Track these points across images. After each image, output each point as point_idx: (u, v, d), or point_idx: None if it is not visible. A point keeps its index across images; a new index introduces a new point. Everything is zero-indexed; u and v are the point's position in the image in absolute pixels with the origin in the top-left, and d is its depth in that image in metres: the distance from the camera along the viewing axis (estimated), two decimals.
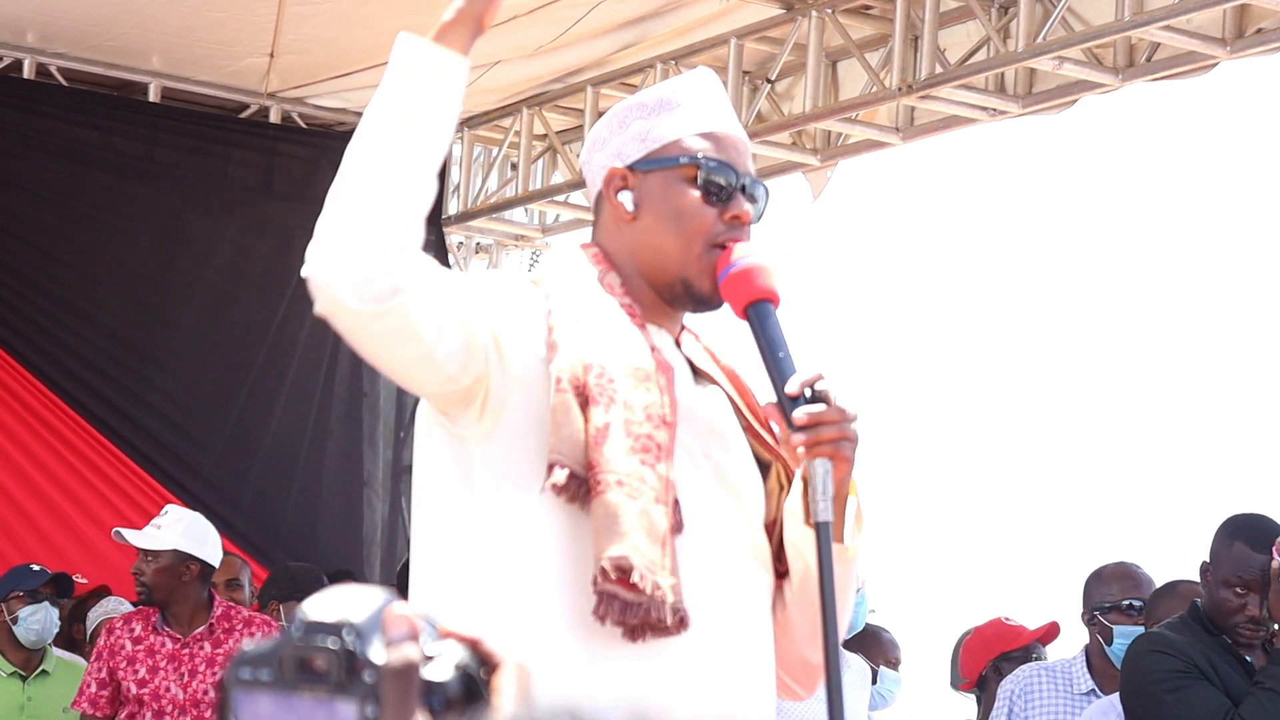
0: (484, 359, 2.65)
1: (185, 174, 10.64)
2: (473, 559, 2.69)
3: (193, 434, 10.39)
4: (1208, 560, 5.13)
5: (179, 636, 6.86)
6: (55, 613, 7.84)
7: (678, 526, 2.65)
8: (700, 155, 2.79)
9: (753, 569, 2.77)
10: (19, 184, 10.15)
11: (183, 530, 7.10)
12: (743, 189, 2.81)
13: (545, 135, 10.91)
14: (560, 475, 2.61)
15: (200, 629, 6.89)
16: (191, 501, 10.14)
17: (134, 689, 6.78)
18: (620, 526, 2.58)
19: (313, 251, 2.60)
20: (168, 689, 6.78)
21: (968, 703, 7.50)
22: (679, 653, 2.65)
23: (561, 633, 2.62)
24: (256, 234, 10.85)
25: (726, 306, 2.78)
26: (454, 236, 11.61)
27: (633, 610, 2.57)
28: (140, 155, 10.59)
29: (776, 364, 2.68)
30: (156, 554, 6.98)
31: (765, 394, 2.74)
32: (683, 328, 2.91)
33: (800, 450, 2.64)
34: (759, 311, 2.72)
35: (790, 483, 2.81)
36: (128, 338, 10.34)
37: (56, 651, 8.01)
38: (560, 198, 11.15)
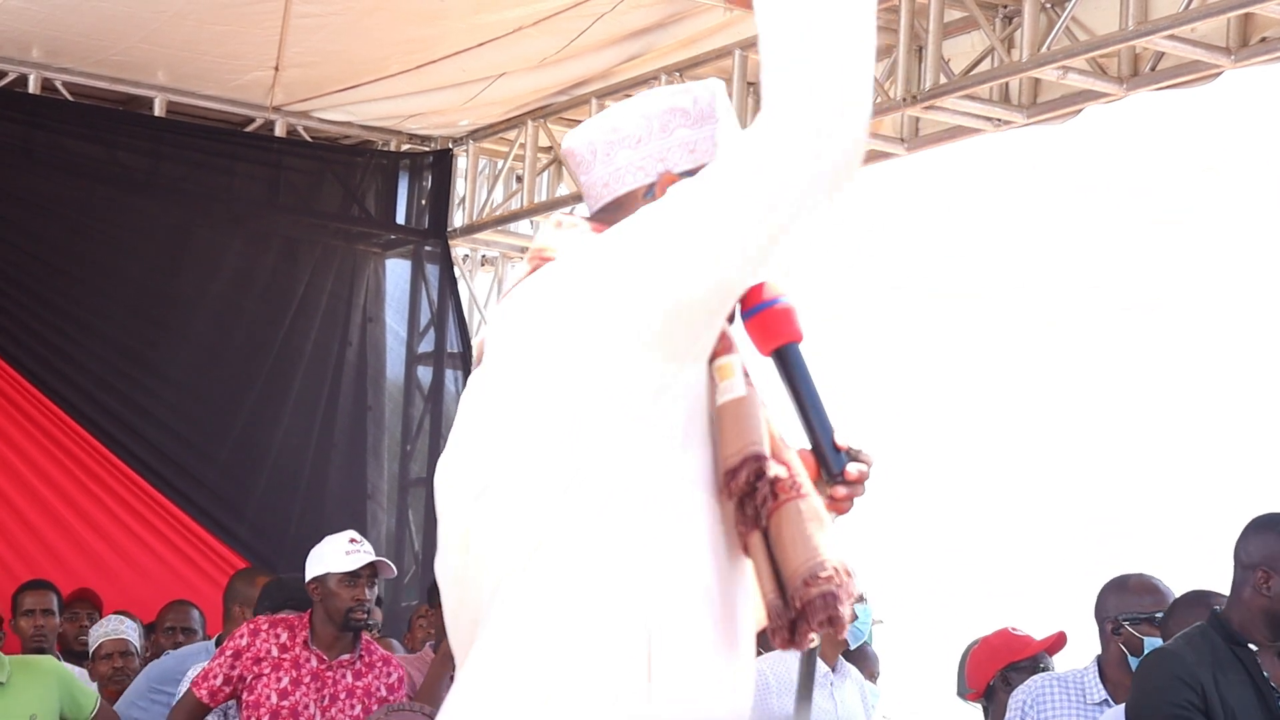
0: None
1: (190, 188, 10.65)
2: (648, 542, 2.57)
3: (197, 446, 10.39)
4: (1261, 562, 5.10)
5: (325, 658, 6.73)
6: None
7: None
8: None
9: None
10: (24, 198, 10.15)
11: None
12: None
13: (550, 147, 10.92)
14: (781, 470, 2.60)
15: (345, 656, 6.78)
16: (196, 513, 10.17)
17: (274, 698, 6.64)
18: (832, 531, 2.61)
19: (857, 91, 2.52)
20: (306, 707, 6.65)
21: (974, 713, 7.49)
22: (743, 666, 2.69)
23: (707, 635, 2.59)
24: (262, 247, 10.86)
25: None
26: (459, 249, 11.61)
27: (841, 611, 2.56)
28: (145, 169, 10.60)
29: (816, 412, 2.70)
30: (379, 577, 6.88)
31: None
32: None
33: (827, 501, 2.68)
34: (792, 355, 2.72)
35: None
36: (132, 350, 10.35)
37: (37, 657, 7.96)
38: (566, 210, 11.15)
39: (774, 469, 2.59)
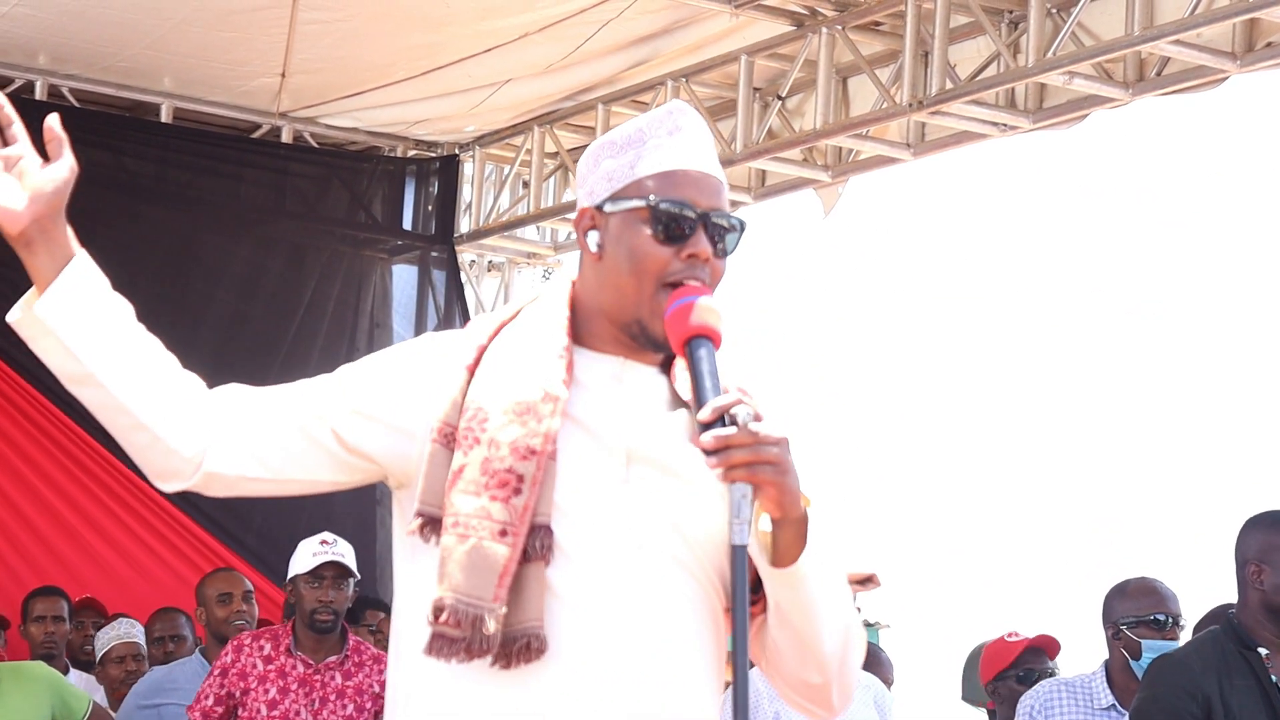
0: (339, 446, 3.02)
1: (197, 194, 10.65)
2: (399, 591, 2.96)
3: None
4: (1255, 559, 5.11)
5: (311, 662, 6.75)
6: None
7: (538, 555, 2.73)
8: (651, 196, 2.80)
9: (668, 581, 2.78)
10: None
11: (352, 556, 7.05)
12: (706, 225, 2.80)
13: (556, 153, 10.93)
14: (415, 523, 2.83)
15: (333, 658, 6.80)
16: (203, 520, 10.18)
17: (263, 710, 6.66)
18: (445, 568, 2.74)
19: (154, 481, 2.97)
20: (298, 713, 6.67)
21: (978, 715, 7.50)
22: (554, 675, 2.71)
23: (435, 665, 2.75)
24: (268, 253, 10.87)
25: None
26: (466, 255, 11.62)
27: (453, 646, 2.72)
28: (152, 176, 10.61)
29: (700, 395, 2.67)
30: (348, 578, 6.93)
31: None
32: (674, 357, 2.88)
33: (717, 474, 2.63)
34: (691, 345, 2.72)
35: None
36: None
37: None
38: (572, 215, 11.13)
39: (414, 522, 2.88)
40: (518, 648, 2.70)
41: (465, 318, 11.36)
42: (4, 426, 9.90)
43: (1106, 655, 6.20)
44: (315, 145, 11.07)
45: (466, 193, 11.51)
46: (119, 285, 9.79)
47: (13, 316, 2.90)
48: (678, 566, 2.79)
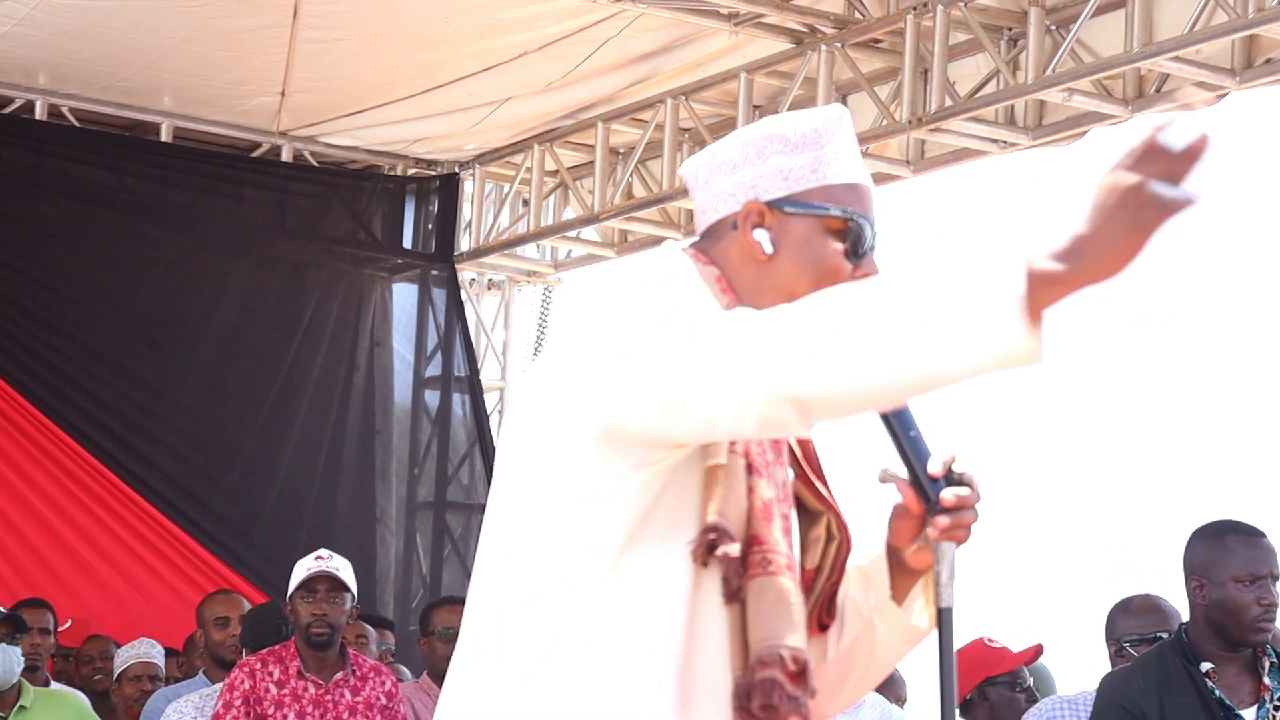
0: None
1: (197, 213, 10.66)
2: (582, 603, 2.50)
3: (205, 471, 10.38)
4: (1196, 573, 5.03)
5: (321, 683, 6.76)
6: (16, 651, 7.65)
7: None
8: (852, 210, 2.70)
9: None
10: (31, 224, 10.17)
11: (349, 572, 7.01)
12: (872, 245, 2.74)
13: (556, 171, 10.93)
14: (734, 548, 2.48)
15: (339, 675, 6.80)
16: (203, 538, 10.17)
17: None
18: (794, 615, 2.51)
19: (806, 388, 2.34)
20: None
21: None
22: None
23: (667, 710, 2.48)
24: (269, 272, 10.87)
25: None
26: (466, 273, 11.62)
27: (792, 704, 2.47)
28: (152, 195, 10.61)
29: (911, 443, 2.63)
30: (343, 591, 6.90)
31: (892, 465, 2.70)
32: None
33: (931, 531, 2.60)
34: None
35: (840, 532, 2.74)
36: (140, 376, 10.35)
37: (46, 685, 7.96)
38: (572, 233, 11.16)
39: (726, 545, 2.49)
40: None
41: (465, 336, 11.36)
42: (2, 444, 9.89)
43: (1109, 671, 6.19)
44: (315, 164, 11.08)
45: (466, 211, 11.51)
46: (119, 304, 9.82)
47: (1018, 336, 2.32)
48: None
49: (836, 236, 2.69)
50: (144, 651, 8.38)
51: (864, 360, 2.29)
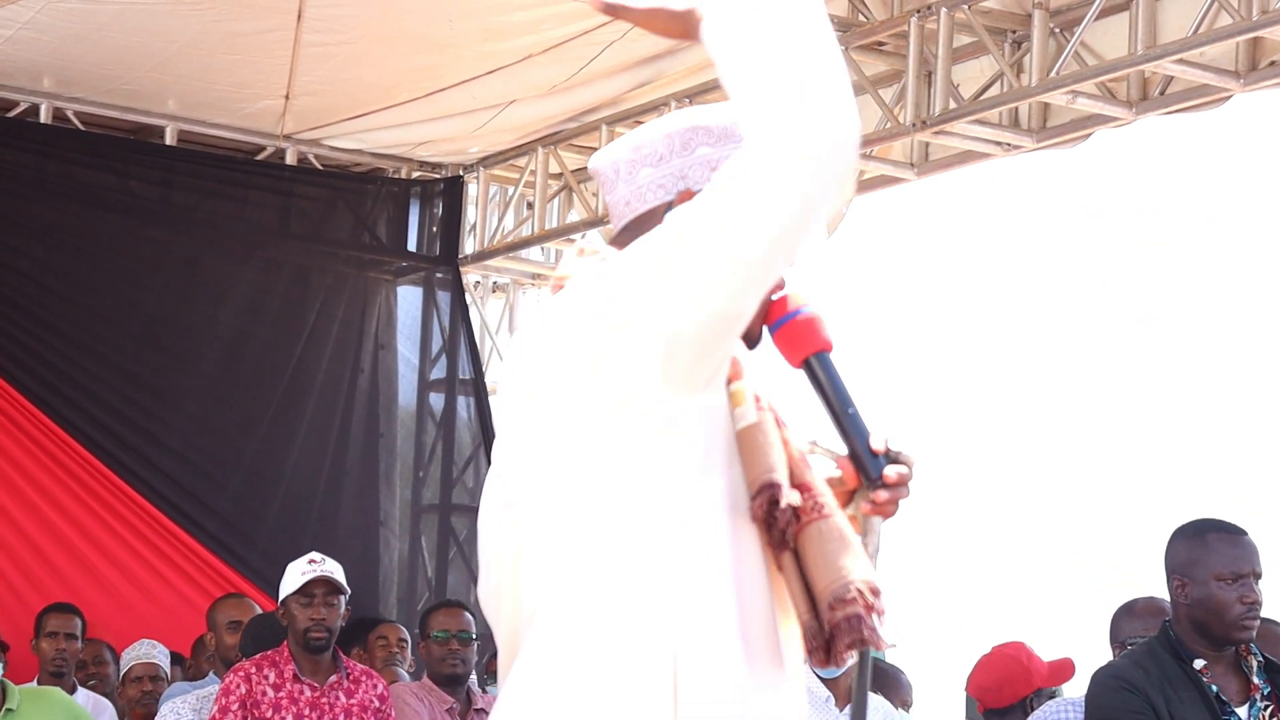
0: None
1: (202, 216, 10.67)
2: (670, 566, 2.57)
3: (210, 474, 10.39)
4: (1178, 572, 5.04)
5: (316, 685, 6.78)
6: None
7: None
8: None
9: None
10: (36, 227, 10.18)
11: (342, 574, 7.02)
12: None
13: (560, 174, 10.94)
14: (795, 496, 2.60)
15: (333, 678, 6.83)
16: (208, 541, 10.17)
17: None
18: (857, 549, 2.60)
19: (837, 107, 2.44)
20: None
21: None
22: (790, 684, 2.68)
23: (734, 659, 2.57)
24: (273, 275, 10.88)
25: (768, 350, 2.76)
26: (470, 276, 11.63)
27: (875, 635, 2.57)
28: (157, 198, 10.62)
29: (850, 419, 2.69)
30: (339, 595, 6.91)
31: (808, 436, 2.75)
32: None
33: (866, 506, 2.68)
34: (822, 363, 2.70)
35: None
36: (144, 379, 10.36)
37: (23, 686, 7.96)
38: (576, 236, 11.16)
39: (788, 496, 2.59)
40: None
41: (470, 339, 11.37)
42: (8, 447, 9.90)
43: None
44: (319, 167, 11.09)
45: (471, 214, 11.51)
46: (123, 307, 9.83)
47: None
48: None
49: None
50: (146, 652, 8.39)
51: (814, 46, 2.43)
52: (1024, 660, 6.96)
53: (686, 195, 2.73)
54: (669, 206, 2.75)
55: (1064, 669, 6.97)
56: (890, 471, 2.66)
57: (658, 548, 2.55)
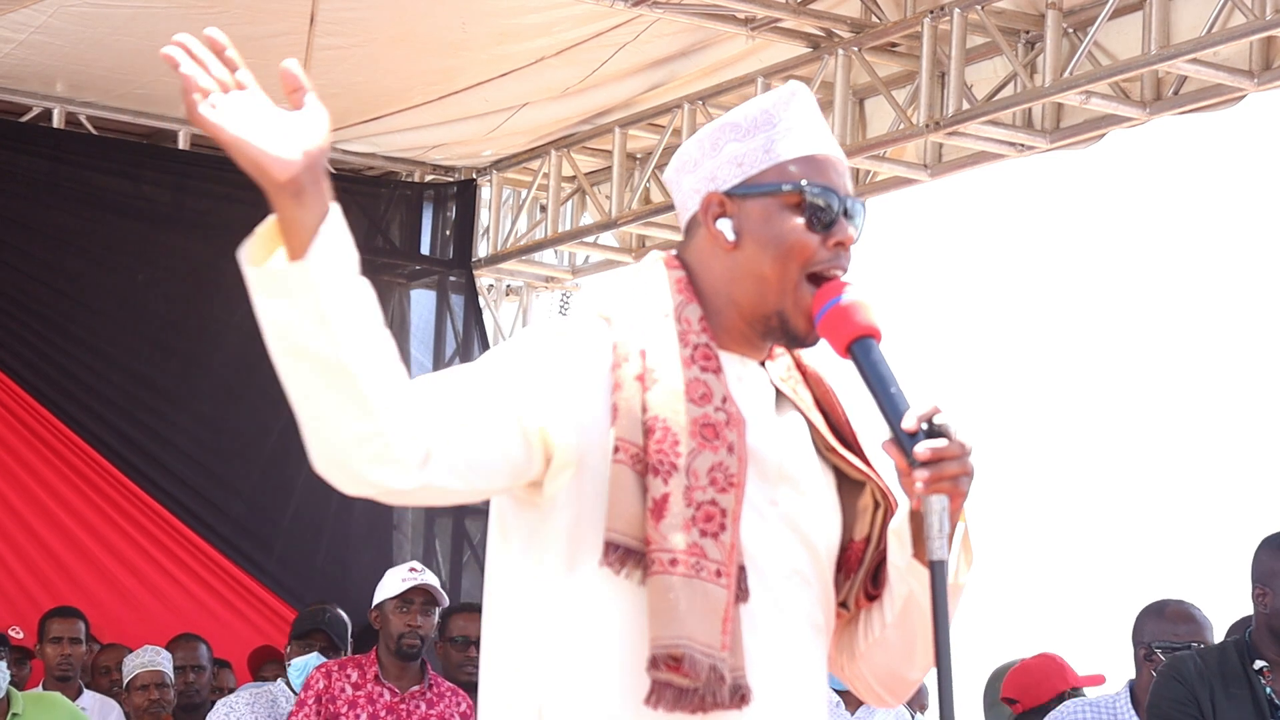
0: (542, 453, 2.59)
1: (214, 221, 10.65)
2: (537, 630, 2.63)
3: (223, 478, 10.39)
4: (1260, 581, 5.18)
5: (397, 691, 6.81)
6: (1, 665, 7.65)
7: (742, 595, 2.59)
8: (804, 182, 2.68)
9: (812, 633, 2.70)
10: (49, 232, 10.19)
11: (438, 584, 7.09)
12: (845, 212, 2.70)
13: (574, 176, 10.93)
14: (613, 555, 2.57)
15: (415, 687, 6.86)
16: (222, 545, 10.17)
17: None
18: (676, 610, 2.53)
19: (328, 471, 2.71)
20: None
21: None
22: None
23: (619, 711, 2.56)
24: None
25: (824, 344, 2.70)
26: (484, 279, 11.62)
27: (687, 697, 2.52)
28: (170, 203, 10.63)
29: (889, 400, 2.59)
30: (435, 606, 6.97)
31: (873, 428, 2.68)
32: (771, 349, 2.79)
33: (919, 486, 2.54)
34: (863, 348, 2.63)
35: (886, 498, 2.75)
36: (157, 384, 10.36)
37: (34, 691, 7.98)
38: (590, 239, 11.15)
39: (612, 554, 2.59)
40: (734, 698, 2.57)
41: (483, 342, 11.36)
42: (21, 451, 9.91)
43: (1132, 674, 6.16)
44: (332, 170, 11.02)
45: (484, 217, 11.51)
46: (136, 311, 9.80)
47: (268, 269, 2.69)
48: (802, 583, 2.70)
49: (795, 211, 2.68)
50: (150, 660, 8.37)
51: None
52: (1060, 660, 7.00)
53: (710, 198, 2.71)
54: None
55: (1096, 679, 6.99)
56: (920, 448, 2.54)
57: (527, 611, 2.63)
